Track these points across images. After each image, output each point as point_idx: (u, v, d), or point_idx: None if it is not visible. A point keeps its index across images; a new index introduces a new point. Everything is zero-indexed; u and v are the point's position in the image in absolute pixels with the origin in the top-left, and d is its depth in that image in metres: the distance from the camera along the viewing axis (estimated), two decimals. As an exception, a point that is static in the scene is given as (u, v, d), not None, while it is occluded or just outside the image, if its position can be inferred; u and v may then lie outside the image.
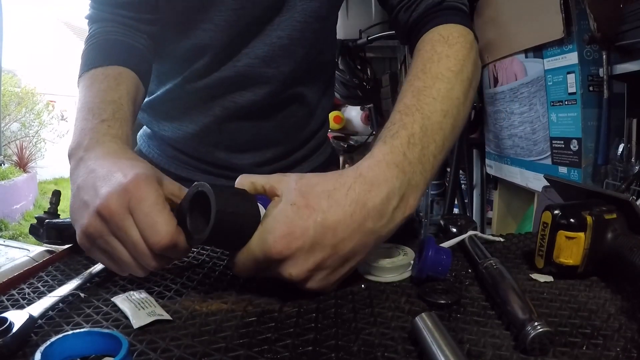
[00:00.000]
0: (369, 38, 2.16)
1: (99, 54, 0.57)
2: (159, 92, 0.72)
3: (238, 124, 0.71)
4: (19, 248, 0.57)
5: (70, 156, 0.46)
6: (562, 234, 0.44)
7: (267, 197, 0.42)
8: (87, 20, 0.62)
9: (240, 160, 0.74)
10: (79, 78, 0.56)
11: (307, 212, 0.39)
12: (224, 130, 0.71)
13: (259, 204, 0.41)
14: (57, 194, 0.61)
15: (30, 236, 0.58)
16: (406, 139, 0.44)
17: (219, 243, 0.43)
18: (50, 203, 0.60)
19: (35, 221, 0.58)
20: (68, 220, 0.54)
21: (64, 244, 0.56)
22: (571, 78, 1.25)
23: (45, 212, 0.59)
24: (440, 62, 0.50)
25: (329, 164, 0.86)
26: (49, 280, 0.48)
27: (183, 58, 0.66)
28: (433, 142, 0.45)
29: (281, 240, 0.38)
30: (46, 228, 0.56)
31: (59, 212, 0.60)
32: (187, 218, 0.40)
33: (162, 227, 0.37)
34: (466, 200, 2.14)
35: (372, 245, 0.42)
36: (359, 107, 2.55)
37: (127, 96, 0.53)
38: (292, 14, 0.63)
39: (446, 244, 0.53)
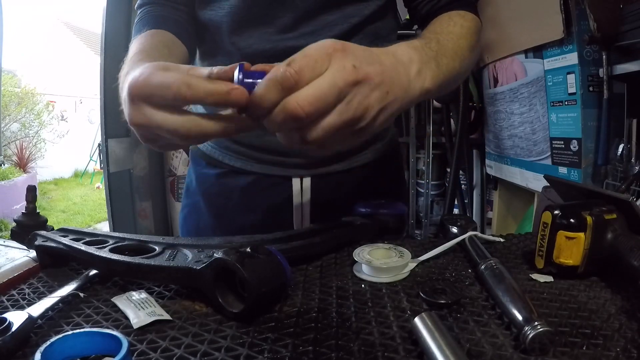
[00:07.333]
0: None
1: (147, 24, 0.67)
2: None
3: None
4: (19, 248, 0.56)
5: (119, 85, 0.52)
6: (562, 234, 0.44)
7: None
8: (137, 10, 0.71)
9: None
10: (130, 43, 0.62)
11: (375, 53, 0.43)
12: None
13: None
14: (32, 190, 0.55)
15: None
16: (424, 42, 0.51)
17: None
18: (27, 201, 0.55)
19: (15, 224, 0.54)
20: (64, 242, 0.49)
21: (61, 265, 0.52)
22: (571, 78, 1.25)
23: (23, 213, 0.55)
24: (451, 23, 0.60)
25: (391, 153, 0.82)
26: (49, 281, 0.48)
27: (209, 31, 0.70)
28: (445, 57, 0.52)
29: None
30: (38, 251, 0.51)
31: (38, 210, 0.55)
32: (216, 293, 0.41)
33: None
34: (466, 201, 2.14)
35: (399, 95, 0.43)
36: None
37: (162, 44, 0.61)
38: None
39: (446, 245, 0.53)
